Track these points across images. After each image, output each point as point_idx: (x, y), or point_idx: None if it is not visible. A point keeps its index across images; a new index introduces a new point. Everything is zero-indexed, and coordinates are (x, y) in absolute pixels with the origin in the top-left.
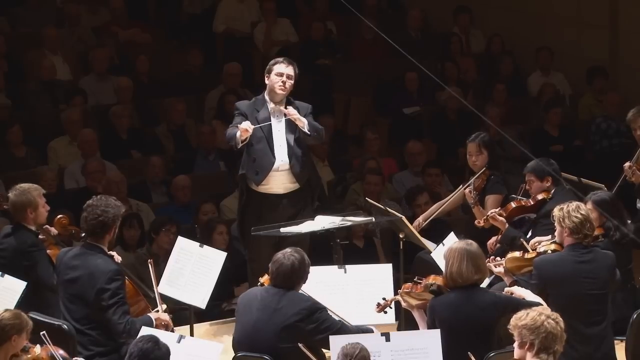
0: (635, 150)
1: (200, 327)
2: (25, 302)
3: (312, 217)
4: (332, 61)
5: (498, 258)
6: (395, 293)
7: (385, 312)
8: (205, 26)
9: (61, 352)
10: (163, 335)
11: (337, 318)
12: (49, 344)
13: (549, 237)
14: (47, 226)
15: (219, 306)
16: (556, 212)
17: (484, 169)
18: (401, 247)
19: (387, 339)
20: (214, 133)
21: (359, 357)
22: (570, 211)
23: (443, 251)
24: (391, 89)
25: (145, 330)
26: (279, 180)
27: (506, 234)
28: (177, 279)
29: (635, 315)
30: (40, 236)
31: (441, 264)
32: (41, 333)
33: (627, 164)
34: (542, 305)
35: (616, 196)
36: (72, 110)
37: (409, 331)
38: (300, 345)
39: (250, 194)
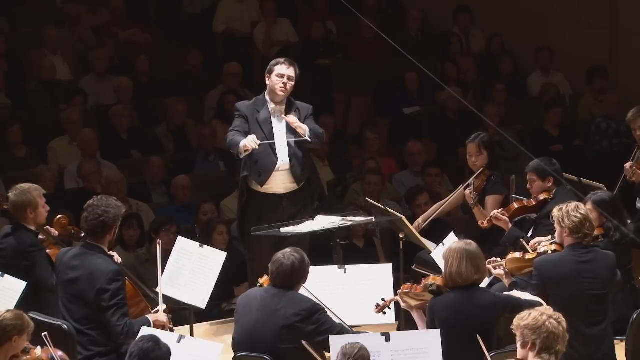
0: (635, 150)
1: (200, 327)
2: (25, 302)
3: (312, 217)
4: (332, 61)
5: (498, 259)
6: (395, 294)
7: (384, 313)
8: (205, 26)
9: (61, 353)
10: (163, 335)
11: (337, 321)
12: (50, 346)
13: (549, 237)
14: (47, 227)
15: (219, 306)
16: (555, 212)
17: (483, 168)
18: (401, 247)
19: (387, 339)
20: (215, 134)
21: (357, 356)
22: (569, 211)
23: (443, 251)
24: (391, 89)
25: (145, 331)
26: (280, 180)
27: (510, 234)
28: (177, 279)
29: (635, 315)
30: (40, 236)
31: (441, 264)
32: (43, 334)
33: (627, 164)
34: (542, 304)
35: (616, 196)
36: (72, 110)
37: (409, 331)
38: (304, 342)
39: (250, 194)
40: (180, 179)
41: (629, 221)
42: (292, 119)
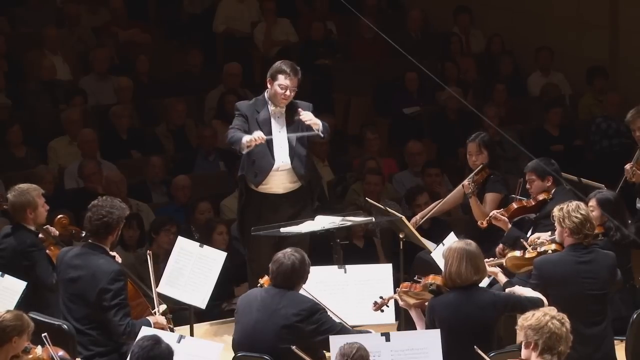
0: (635, 150)
1: (200, 327)
2: (25, 302)
3: (312, 217)
4: (332, 61)
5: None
6: (394, 292)
7: (382, 311)
8: (205, 26)
9: (61, 353)
10: (163, 335)
11: (337, 320)
12: (50, 346)
13: (549, 233)
14: (47, 226)
15: (219, 306)
16: (556, 212)
17: (484, 165)
18: (401, 247)
19: (387, 339)
20: (215, 134)
21: (356, 356)
22: (570, 211)
23: (443, 251)
24: (391, 89)
25: (145, 331)
26: (279, 180)
27: (509, 234)
28: (177, 279)
29: (635, 315)
30: (40, 236)
31: (441, 264)
32: (42, 335)
33: (628, 165)
34: (542, 300)
35: (620, 197)
36: (72, 110)
37: (409, 331)
38: (293, 347)
39: (250, 194)
40: (180, 179)
41: (629, 222)
42: (307, 115)
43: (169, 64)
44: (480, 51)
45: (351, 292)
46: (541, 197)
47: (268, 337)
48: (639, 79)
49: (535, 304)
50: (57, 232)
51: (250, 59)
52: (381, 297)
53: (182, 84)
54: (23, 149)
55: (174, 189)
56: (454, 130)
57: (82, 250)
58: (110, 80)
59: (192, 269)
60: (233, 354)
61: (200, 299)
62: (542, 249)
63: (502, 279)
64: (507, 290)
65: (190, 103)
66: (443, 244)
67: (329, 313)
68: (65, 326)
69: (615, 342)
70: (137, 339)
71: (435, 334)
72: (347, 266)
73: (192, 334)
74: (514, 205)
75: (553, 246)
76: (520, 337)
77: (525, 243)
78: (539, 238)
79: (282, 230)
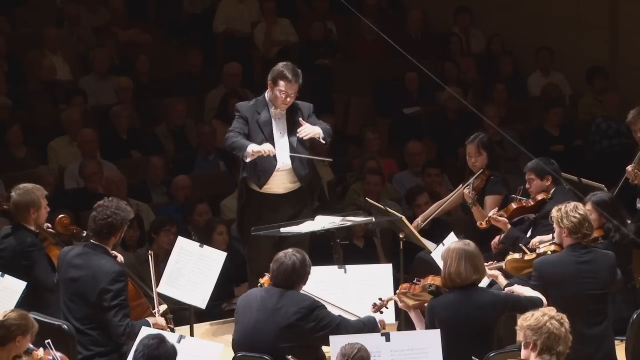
0: (636, 151)
1: (200, 327)
2: (25, 302)
3: (312, 217)
4: (332, 61)
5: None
6: (394, 293)
7: (381, 312)
8: (205, 26)
9: (61, 355)
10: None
11: (337, 313)
12: (52, 350)
13: (551, 235)
14: (46, 224)
15: (219, 306)
16: (554, 212)
17: (483, 169)
18: (401, 247)
19: (387, 339)
20: (214, 133)
21: (357, 357)
22: (568, 211)
23: (442, 251)
24: (391, 89)
25: (145, 331)
26: (280, 181)
27: (509, 235)
28: (177, 279)
29: (635, 315)
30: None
31: (441, 264)
32: (46, 342)
33: (630, 167)
34: (541, 299)
35: (616, 197)
36: (72, 110)
37: (409, 331)
38: (289, 358)
39: (250, 194)
40: (180, 179)
41: (629, 221)
42: (305, 131)
43: (169, 64)
44: (480, 51)
45: (351, 292)
46: (540, 196)
47: (268, 337)
48: (639, 79)
49: (535, 304)
50: (56, 231)
51: (250, 59)
52: (380, 299)
53: (182, 84)
54: (23, 149)
55: (174, 189)
56: (454, 130)
57: (84, 250)
58: (110, 80)
59: (192, 269)
60: (233, 354)
61: (200, 299)
62: (542, 250)
63: (503, 282)
64: (506, 289)
65: (190, 103)
66: (443, 244)
67: (328, 307)
68: (65, 326)
69: (616, 342)
70: (141, 338)
71: (435, 334)
72: (347, 266)
73: (192, 334)
74: (513, 206)
75: (552, 247)
76: (520, 337)
77: (524, 248)
78: (540, 242)
79: (282, 230)
